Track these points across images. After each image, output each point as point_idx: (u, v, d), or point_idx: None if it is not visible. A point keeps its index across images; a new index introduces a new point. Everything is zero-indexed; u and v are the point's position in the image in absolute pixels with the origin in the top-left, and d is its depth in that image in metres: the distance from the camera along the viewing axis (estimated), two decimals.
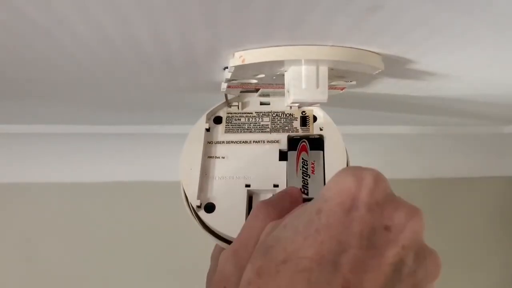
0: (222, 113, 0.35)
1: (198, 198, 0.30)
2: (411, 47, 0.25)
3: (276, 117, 0.34)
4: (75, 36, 0.23)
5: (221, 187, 0.31)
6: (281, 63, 0.26)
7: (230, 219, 0.29)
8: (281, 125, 0.34)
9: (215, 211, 0.30)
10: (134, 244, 0.65)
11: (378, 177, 0.20)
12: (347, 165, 0.31)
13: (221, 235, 0.30)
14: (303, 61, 0.26)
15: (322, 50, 0.25)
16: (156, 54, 0.26)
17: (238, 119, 0.34)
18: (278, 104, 0.35)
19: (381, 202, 0.20)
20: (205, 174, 0.32)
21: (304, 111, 0.35)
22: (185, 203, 0.32)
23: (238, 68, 0.27)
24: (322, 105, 0.34)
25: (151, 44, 0.24)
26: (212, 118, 0.34)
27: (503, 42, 0.24)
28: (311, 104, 0.34)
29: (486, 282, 0.73)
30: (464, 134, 0.70)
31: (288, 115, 0.34)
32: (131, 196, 0.66)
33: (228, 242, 0.30)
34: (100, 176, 0.65)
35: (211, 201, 0.31)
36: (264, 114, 0.35)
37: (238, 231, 0.25)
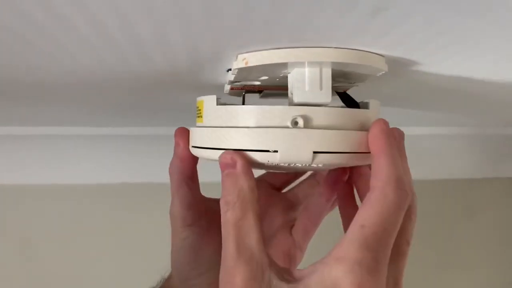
0: None
1: None
2: (416, 48, 0.25)
3: None
4: (78, 38, 0.23)
5: None
6: (284, 65, 0.26)
7: None
8: None
9: None
10: (136, 245, 0.65)
11: None
12: None
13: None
14: (306, 63, 0.26)
15: (325, 52, 0.25)
16: (159, 55, 0.26)
17: None
18: None
19: None
20: None
21: None
22: None
23: (241, 70, 0.26)
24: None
25: (154, 46, 0.24)
26: None
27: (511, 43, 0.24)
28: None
29: (488, 283, 0.73)
30: (470, 135, 0.69)
31: None
32: (132, 197, 0.66)
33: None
34: (102, 178, 0.66)
35: None
36: None
37: None
